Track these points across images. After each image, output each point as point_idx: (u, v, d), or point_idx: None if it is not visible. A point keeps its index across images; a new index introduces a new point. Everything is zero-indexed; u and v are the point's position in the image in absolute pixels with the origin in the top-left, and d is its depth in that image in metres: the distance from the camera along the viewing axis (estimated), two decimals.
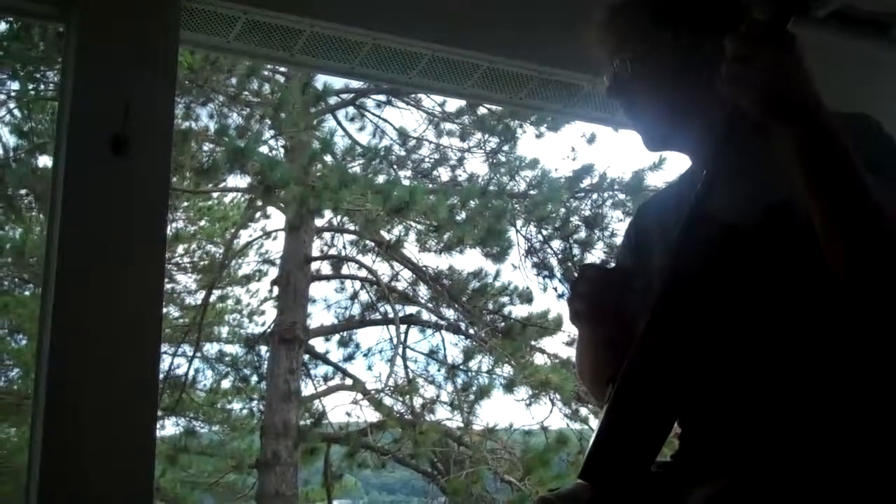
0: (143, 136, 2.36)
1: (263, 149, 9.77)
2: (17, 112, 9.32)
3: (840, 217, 1.34)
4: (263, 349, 10.62)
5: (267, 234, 11.09)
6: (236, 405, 11.07)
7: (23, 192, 9.65)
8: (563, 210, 10.53)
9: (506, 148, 10.77)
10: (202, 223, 11.37)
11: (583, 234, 10.51)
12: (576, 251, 10.53)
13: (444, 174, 10.92)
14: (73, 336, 2.23)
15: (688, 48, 1.54)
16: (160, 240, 2.44)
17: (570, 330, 10.41)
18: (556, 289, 10.59)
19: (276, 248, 10.96)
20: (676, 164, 10.01)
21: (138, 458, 2.21)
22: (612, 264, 1.87)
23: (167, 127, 2.51)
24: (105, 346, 2.23)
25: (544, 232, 10.66)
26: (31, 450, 2.24)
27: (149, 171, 2.37)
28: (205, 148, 9.83)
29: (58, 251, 2.27)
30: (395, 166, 10.74)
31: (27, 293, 10.15)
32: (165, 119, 2.50)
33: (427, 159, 10.95)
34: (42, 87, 9.14)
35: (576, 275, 1.67)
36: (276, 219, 10.77)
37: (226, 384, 10.95)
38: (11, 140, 9.34)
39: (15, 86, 9.23)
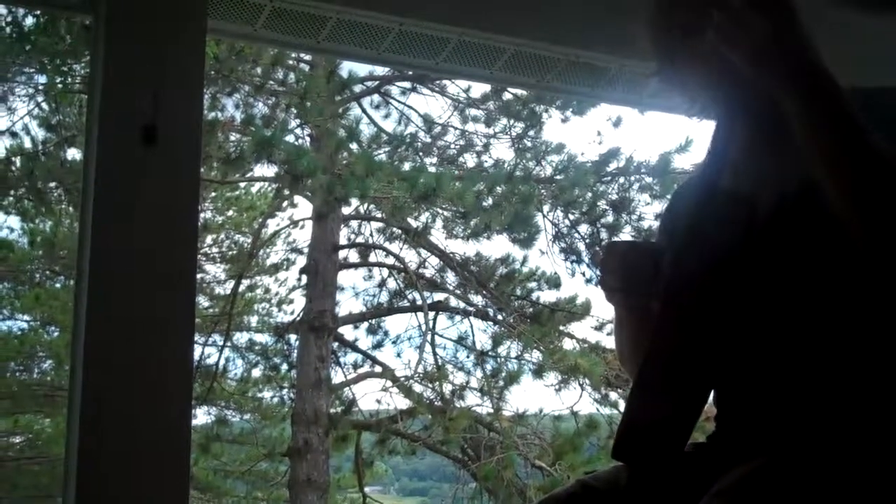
0: (172, 126, 2.36)
1: (289, 138, 9.79)
2: (45, 105, 9.39)
3: (847, 177, 1.32)
4: (293, 338, 10.66)
5: (294, 223, 11.12)
6: (267, 394, 11.14)
7: (52, 184, 9.72)
8: (589, 194, 10.48)
9: (531, 133, 10.73)
10: (230, 213, 11.42)
11: (610, 218, 10.46)
12: (603, 235, 10.49)
13: (469, 160, 10.91)
14: (108, 327, 2.24)
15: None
16: (192, 230, 2.44)
17: (598, 314, 10.41)
18: (583, 273, 10.58)
19: (303, 236, 11.01)
20: (703, 145, 9.93)
21: (175, 447, 2.22)
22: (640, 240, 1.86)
23: (196, 116, 2.52)
24: (139, 336, 2.24)
25: (571, 217, 10.62)
26: (68, 441, 2.26)
27: (179, 161, 2.38)
28: (231, 138, 9.86)
29: (91, 243, 2.28)
30: (420, 153, 10.73)
31: (58, 285, 10.25)
32: (194, 108, 2.51)
33: (453, 146, 10.95)
34: (69, 80, 9.19)
35: (602, 252, 1.66)
36: (304, 207, 10.81)
37: (256, 373, 11.02)
38: (40, 133, 9.42)
39: (42, 79, 9.29)
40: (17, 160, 9.39)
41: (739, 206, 1.48)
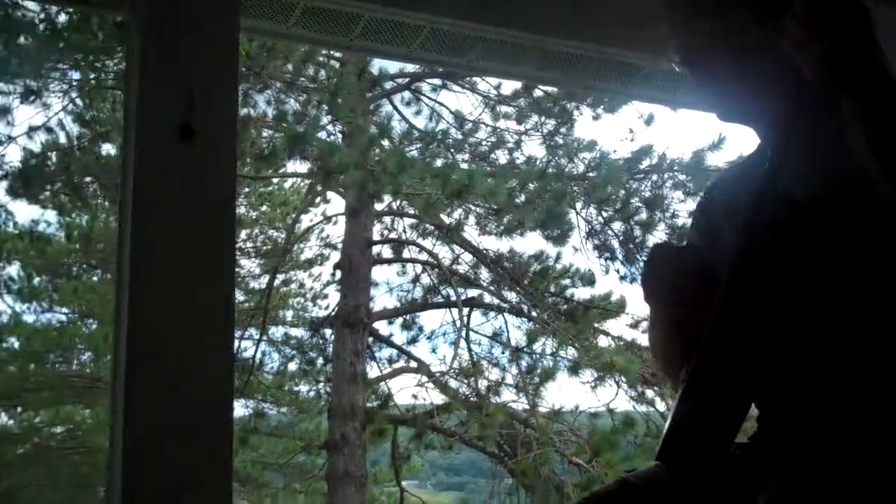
0: (208, 123, 2.39)
1: (321, 134, 9.83)
2: (79, 101, 9.48)
3: None
4: (328, 332, 10.71)
5: (328, 219, 11.19)
6: (303, 387, 11.23)
7: (88, 179, 9.82)
8: (622, 192, 10.44)
9: (563, 130, 10.73)
10: (264, 208, 11.49)
11: (644, 215, 10.43)
12: (637, 233, 10.46)
13: (501, 157, 10.93)
14: (148, 321, 2.27)
15: (762, 25, 1.51)
16: (229, 225, 2.46)
17: (633, 312, 10.38)
18: (618, 271, 10.55)
19: (337, 232, 11.06)
20: (736, 142, 9.90)
21: (217, 438, 2.24)
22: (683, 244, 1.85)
23: (231, 113, 2.54)
24: (181, 329, 2.27)
25: (605, 214, 10.60)
26: (112, 433, 2.29)
27: (215, 158, 2.40)
28: (264, 134, 9.92)
29: (130, 237, 2.31)
30: (452, 150, 10.74)
31: (95, 278, 10.36)
32: (229, 106, 2.53)
33: (484, 142, 10.96)
34: (102, 76, 9.29)
35: (647, 255, 1.66)
36: (336, 203, 10.87)
37: (292, 367, 11.10)
38: (75, 129, 9.51)
39: (76, 75, 9.38)
40: (53, 155, 9.48)
41: (788, 206, 1.48)
